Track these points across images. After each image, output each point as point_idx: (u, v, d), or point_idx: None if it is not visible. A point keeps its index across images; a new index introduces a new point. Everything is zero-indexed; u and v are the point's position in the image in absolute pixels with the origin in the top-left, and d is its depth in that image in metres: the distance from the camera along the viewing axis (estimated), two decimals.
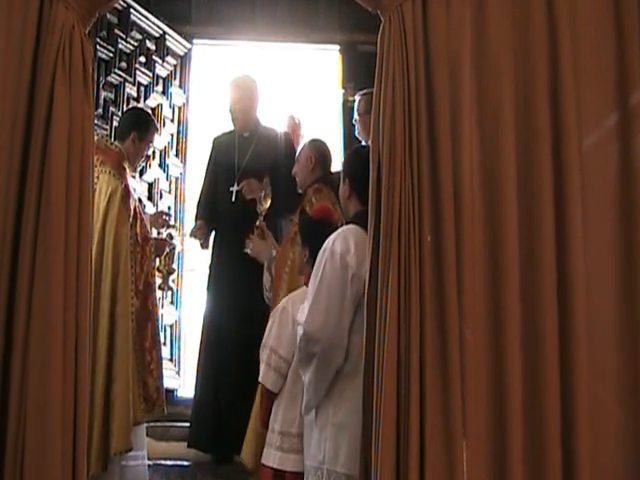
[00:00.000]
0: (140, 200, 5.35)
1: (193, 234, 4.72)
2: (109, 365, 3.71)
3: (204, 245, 4.76)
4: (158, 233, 4.29)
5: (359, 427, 2.67)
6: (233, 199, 4.59)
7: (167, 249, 4.17)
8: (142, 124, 4.20)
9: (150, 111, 5.60)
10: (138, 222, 3.96)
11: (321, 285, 2.86)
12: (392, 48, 2.72)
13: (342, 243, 2.90)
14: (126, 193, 3.90)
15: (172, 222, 4.54)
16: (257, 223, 4.12)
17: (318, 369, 2.84)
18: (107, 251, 3.77)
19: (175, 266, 4.39)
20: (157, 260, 4.18)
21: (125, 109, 5.32)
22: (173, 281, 4.74)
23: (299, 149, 4.36)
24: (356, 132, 4.72)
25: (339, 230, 3.01)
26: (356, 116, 4.86)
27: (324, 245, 2.96)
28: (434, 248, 2.63)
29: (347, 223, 3.07)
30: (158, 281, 4.19)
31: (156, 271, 4.15)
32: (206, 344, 4.62)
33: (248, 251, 4.09)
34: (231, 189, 4.60)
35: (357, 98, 5.09)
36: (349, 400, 2.82)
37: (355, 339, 2.83)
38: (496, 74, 2.78)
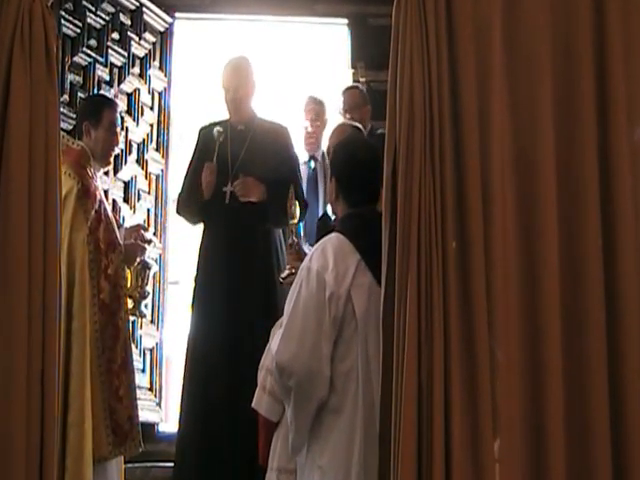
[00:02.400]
0: (114, 202, 5.38)
1: (205, 182, 4.54)
2: (65, 392, 3.72)
3: (206, 193, 4.61)
4: None
5: (347, 470, 2.73)
6: (227, 200, 4.58)
7: (139, 256, 4.15)
8: (90, 109, 4.23)
9: (125, 97, 5.63)
10: (101, 226, 3.96)
11: (296, 308, 2.88)
12: (409, 21, 2.73)
13: (319, 258, 2.92)
14: (84, 193, 3.91)
15: (149, 237, 4.50)
16: (290, 241, 4.09)
17: (297, 405, 2.87)
18: (61, 260, 3.76)
19: (149, 289, 4.35)
20: (127, 280, 4.13)
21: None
22: (146, 306, 4.71)
23: (329, 137, 4.33)
24: None
25: (319, 242, 3.03)
26: (342, 111, 5.01)
27: (303, 262, 2.99)
28: (459, 256, 2.63)
29: (331, 231, 3.07)
30: (129, 304, 4.16)
31: (127, 296, 4.11)
32: (191, 369, 4.61)
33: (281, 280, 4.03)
34: (224, 189, 4.60)
35: (342, 95, 5.24)
36: (336, 441, 2.84)
37: (341, 368, 2.85)
38: (532, 51, 2.78)
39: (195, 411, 4.53)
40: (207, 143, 4.74)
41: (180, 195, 4.79)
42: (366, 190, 3.04)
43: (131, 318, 4.37)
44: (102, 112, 4.17)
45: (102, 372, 3.85)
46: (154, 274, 5.58)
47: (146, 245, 4.23)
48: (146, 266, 4.20)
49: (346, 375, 2.84)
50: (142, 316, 4.53)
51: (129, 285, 4.12)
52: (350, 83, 5.76)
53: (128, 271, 4.14)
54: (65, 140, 4.12)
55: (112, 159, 4.38)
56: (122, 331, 3.97)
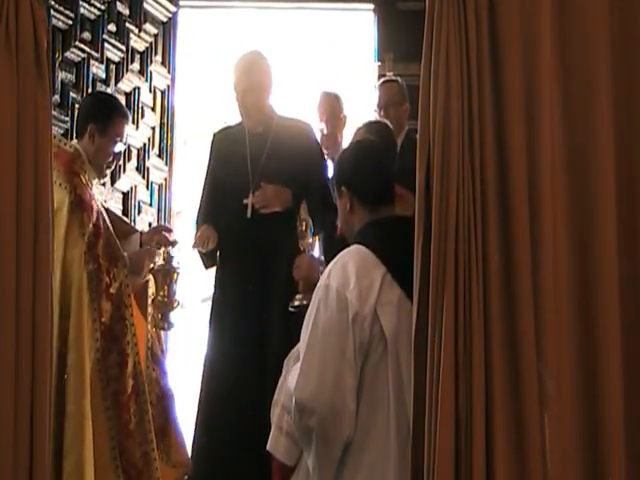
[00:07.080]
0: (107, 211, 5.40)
1: (197, 243, 4.58)
2: (58, 437, 3.68)
3: (208, 260, 4.70)
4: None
5: None
6: (249, 214, 4.59)
7: (148, 264, 4.08)
8: (100, 112, 4.19)
9: (123, 97, 5.67)
10: (101, 241, 3.92)
11: (314, 334, 2.88)
12: (445, 4, 2.73)
13: (339, 274, 2.91)
14: (78, 204, 3.86)
15: (172, 239, 4.43)
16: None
17: (319, 448, 2.86)
18: (53, 284, 3.73)
19: (178, 298, 4.20)
20: (153, 288, 4.07)
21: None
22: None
23: (352, 139, 4.34)
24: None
25: (338, 256, 3.02)
26: (377, 108, 5.12)
27: (320, 279, 2.99)
28: (503, 271, 2.62)
29: (347, 245, 3.07)
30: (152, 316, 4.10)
31: (151, 305, 4.04)
32: (206, 408, 4.60)
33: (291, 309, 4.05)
34: (245, 201, 4.61)
35: (378, 89, 5.28)
36: None
37: (366, 399, 2.84)
38: (587, 32, 2.78)
39: (208, 457, 4.53)
40: (223, 150, 4.75)
41: (197, 223, 4.79)
42: (381, 184, 3.06)
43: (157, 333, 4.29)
44: (112, 120, 4.15)
45: (108, 406, 3.79)
46: None
47: (162, 248, 4.17)
48: (170, 270, 4.12)
49: (372, 405, 2.83)
50: (170, 327, 4.40)
51: (155, 293, 4.06)
52: (389, 76, 5.72)
53: (151, 277, 4.09)
54: (56, 141, 4.11)
55: (109, 173, 4.37)
56: (130, 356, 3.91)
